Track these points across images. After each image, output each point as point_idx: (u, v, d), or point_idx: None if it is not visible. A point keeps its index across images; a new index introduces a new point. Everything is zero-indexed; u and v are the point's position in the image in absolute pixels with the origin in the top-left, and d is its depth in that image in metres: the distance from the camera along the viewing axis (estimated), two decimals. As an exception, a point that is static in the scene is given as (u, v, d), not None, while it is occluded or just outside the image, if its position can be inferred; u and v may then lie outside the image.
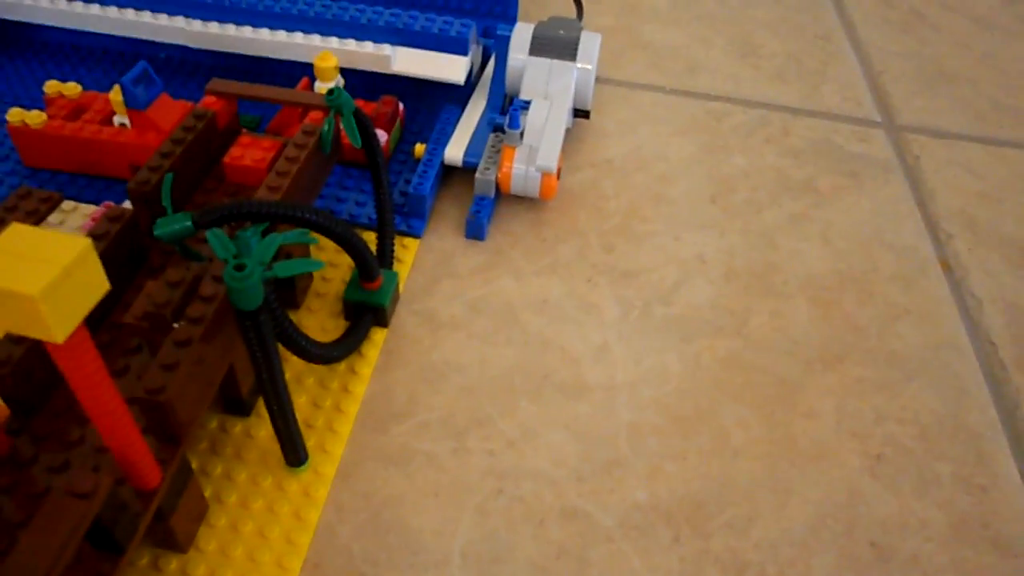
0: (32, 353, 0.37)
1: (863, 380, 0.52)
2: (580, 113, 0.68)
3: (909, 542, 0.44)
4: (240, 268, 0.33)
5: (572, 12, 0.83)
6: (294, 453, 0.42)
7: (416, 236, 0.57)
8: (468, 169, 0.61)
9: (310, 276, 0.53)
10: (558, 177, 0.60)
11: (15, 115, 0.57)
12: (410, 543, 0.42)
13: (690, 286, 0.57)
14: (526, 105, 0.62)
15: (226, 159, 0.49)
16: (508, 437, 0.47)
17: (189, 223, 0.40)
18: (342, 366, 0.49)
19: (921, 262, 0.61)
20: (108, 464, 0.34)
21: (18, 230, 0.26)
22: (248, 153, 0.50)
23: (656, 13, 0.89)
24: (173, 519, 0.39)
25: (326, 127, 0.49)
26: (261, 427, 0.45)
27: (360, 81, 0.69)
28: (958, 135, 0.75)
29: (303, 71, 0.68)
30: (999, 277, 0.61)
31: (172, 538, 0.40)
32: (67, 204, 0.54)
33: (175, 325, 0.38)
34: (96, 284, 0.27)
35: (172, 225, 0.40)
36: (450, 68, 0.65)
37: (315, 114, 0.53)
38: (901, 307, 0.57)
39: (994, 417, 0.51)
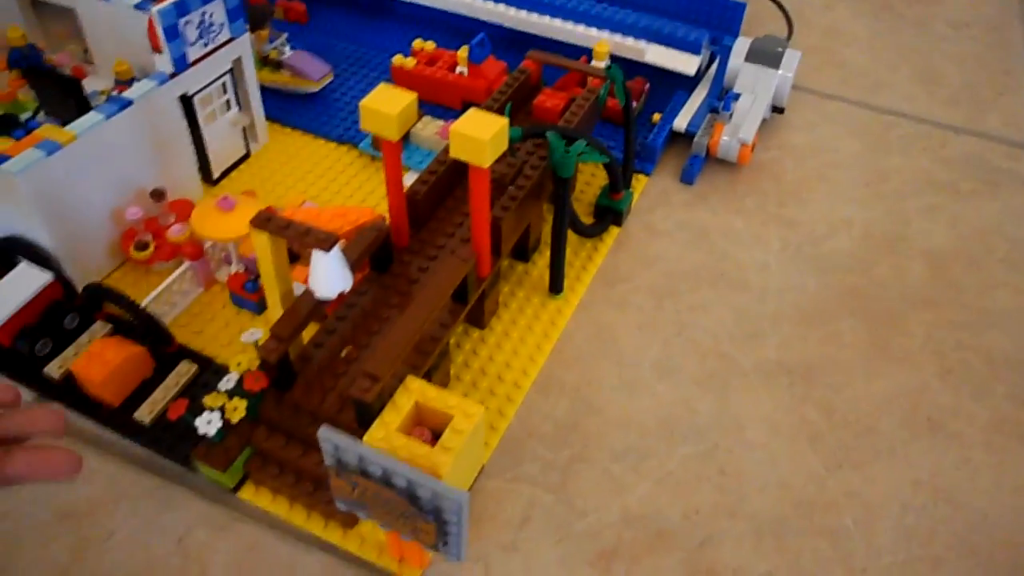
0: (427, 194, 0.64)
1: (954, 321, 0.71)
2: (777, 109, 0.89)
3: (957, 424, 0.63)
4: (566, 151, 0.58)
5: (784, 32, 1.04)
6: (557, 284, 0.68)
7: (647, 174, 0.81)
8: (689, 135, 0.84)
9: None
10: (752, 149, 0.82)
11: (397, 60, 0.86)
12: (618, 351, 0.66)
13: (835, 239, 0.77)
14: (737, 96, 0.84)
15: (535, 102, 0.75)
16: (690, 304, 0.70)
17: (520, 133, 0.66)
18: (588, 243, 0.73)
19: (1029, 254, 0.78)
20: (467, 254, 0.60)
21: (474, 112, 0.52)
22: (549, 100, 0.75)
23: (856, 39, 1.07)
24: (486, 302, 0.65)
25: (603, 91, 0.74)
26: (534, 269, 0.71)
27: (619, 64, 0.93)
28: (1098, 168, 0.90)
29: (581, 52, 0.93)
30: (1094, 274, 0.76)
31: (480, 317, 0.66)
32: (427, 118, 0.81)
33: (509, 187, 0.64)
34: (504, 140, 0.53)
35: (512, 133, 0.66)
36: (685, 63, 0.88)
37: (594, 81, 0.77)
38: (1001, 280, 0.75)
39: (1051, 364, 0.68)
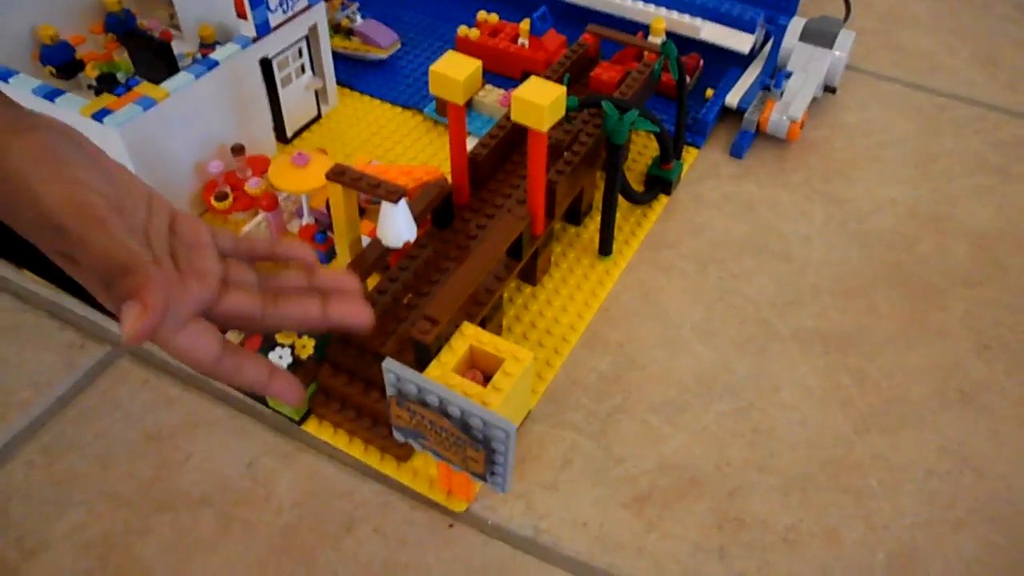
0: (487, 157, 0.68)
1: (994, 300, 0.72)
2: (829, 89, 0.90)
3: (988, 397, 0.65)
4: (620, 119, 0.61)
5: (842, 13, 1.04)
6: (607, 245, 0.71)
7: (697, 147, 0.83)
8: (740, 111, 0.85)
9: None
10: (801, 127, 0.83)
11: (462, 30, 0.89)
12: (662, 312, 0.69)
13: (879, 216, 0.79)
14: (789, 75, 0.85)
15: (592, 74, 0.78)
16: (733, 272, 0.72)
17: (576, 101, 0.69)
18: (638, 210, 0.76)
19: (1074, 238, 0.78)
20: (523, 212, 0.63)
21: (534, 79, 0.56)
22: (606, 73, 0.78)
23: (916, 22, 1.07)
24: (539, 261, 0.68)
25: (657, 66, 0.76)
26: (585, 233, 0.74)
27: (675, 40, 0.95)
28: None
29: (638, 28, 0.95)
30: None
31: (532, 274, 0.69)
32: (488, 87, 0.85)
33: (565, 152, 0.67)
34: (561, 107, 0.56)
35: (570, 102, 0.69)
36: (739, 41, 0.89)
37: (650, 56, 0.80)
38: (1044, 263, 0.76)
39: (1088, 345, 0.69)
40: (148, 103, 0.65)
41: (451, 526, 0.56)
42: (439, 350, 0.54)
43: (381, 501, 0.57)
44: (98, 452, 0.59)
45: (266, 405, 0.61)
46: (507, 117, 0.70)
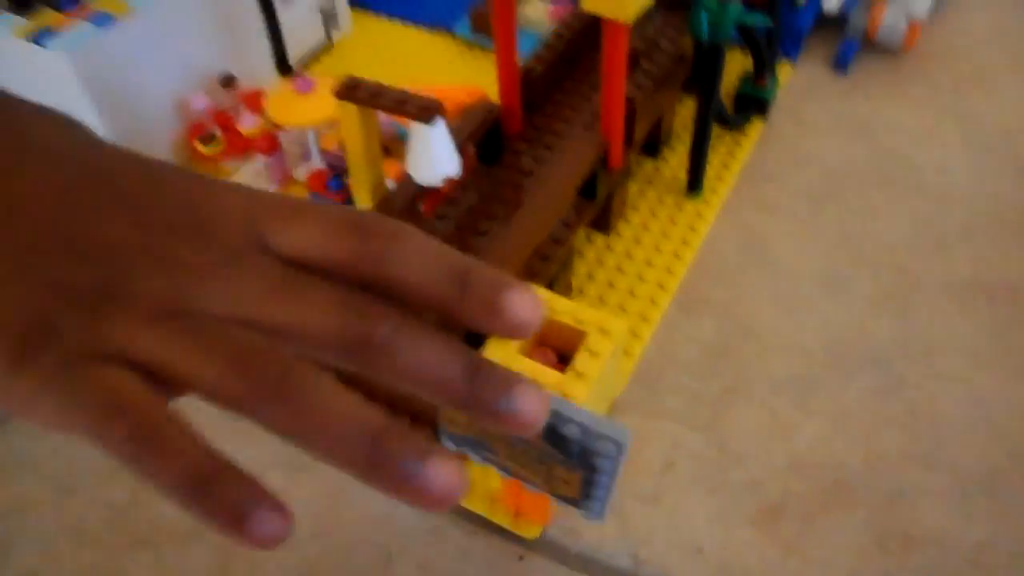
0: (544, 73, 0.51)
1: None
2: (943, -13, 0.72)
3: None
4: (722, 3, 0.44)
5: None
6: (697, 181, 0.54)
7: (792, 61, 0.66)
8: (839, 19, 0.68)
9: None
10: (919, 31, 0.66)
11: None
12: (773, 261, 0.53)
13: (1031, 134, 0.62)
14: (899, -32, 0.68)
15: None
16: (855, 210, 0.56)
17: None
18: (727, 138, 0.60)
19: None
20: (596, 138, 0.47)
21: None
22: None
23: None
24: (614, 202, 0.52)
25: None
26: (666, 167, 0.58)
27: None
28: None
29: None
30: None
31: (605, 220, 0.53)
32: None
33: (642, 62, 0.50)
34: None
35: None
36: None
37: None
38: None
39: None
40: (105, 20, 0.49)
41: (521, 558, 0.41)
42: (498, 324, 0.39)
43: (427, 527, 0.42)
44: (55, 473, 0.45)
45: (273, 401, 0.46)
46: (565, 24, 0.54)
